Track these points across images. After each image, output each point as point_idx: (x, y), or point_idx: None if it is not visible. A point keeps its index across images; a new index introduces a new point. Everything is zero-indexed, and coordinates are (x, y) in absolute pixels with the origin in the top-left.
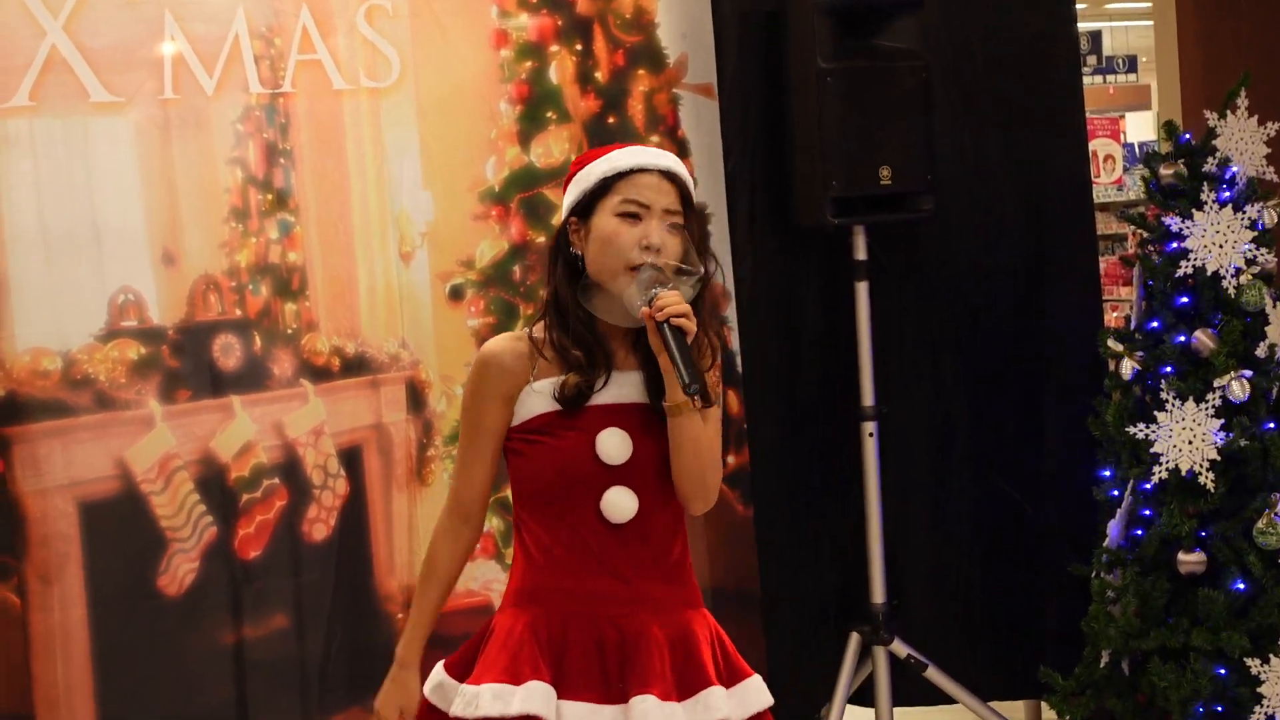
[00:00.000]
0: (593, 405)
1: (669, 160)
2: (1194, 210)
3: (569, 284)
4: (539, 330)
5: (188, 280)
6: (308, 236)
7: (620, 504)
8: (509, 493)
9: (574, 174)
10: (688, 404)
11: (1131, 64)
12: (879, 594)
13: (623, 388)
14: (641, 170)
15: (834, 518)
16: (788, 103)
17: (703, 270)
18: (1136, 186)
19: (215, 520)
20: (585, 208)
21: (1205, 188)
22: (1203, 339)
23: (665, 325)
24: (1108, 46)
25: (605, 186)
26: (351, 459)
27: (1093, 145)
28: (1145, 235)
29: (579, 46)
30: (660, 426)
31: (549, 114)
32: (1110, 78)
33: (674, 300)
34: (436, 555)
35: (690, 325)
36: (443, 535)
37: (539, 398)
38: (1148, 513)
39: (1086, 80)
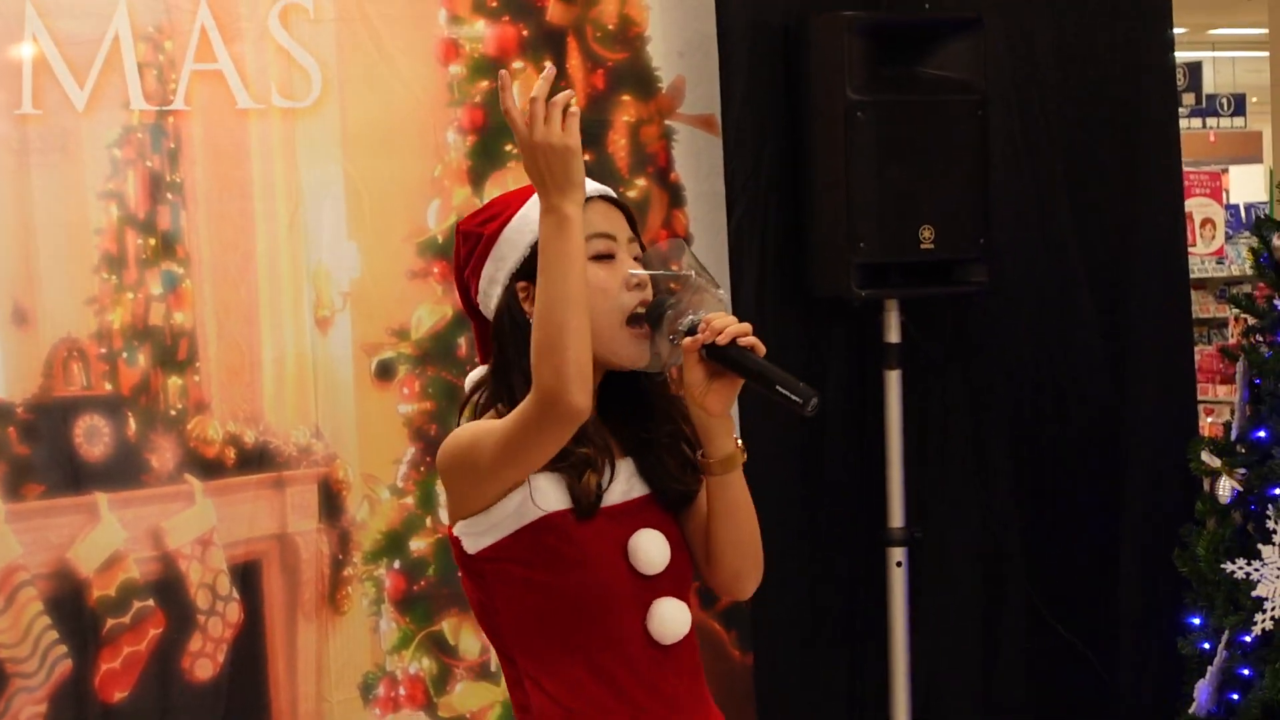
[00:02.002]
0: (604, 506)
1: (604, 187)
2: None
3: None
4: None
5: (44, 345)
6: (199, 294)
7: (676, 618)
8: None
9: (490, 233)
10: (740, 455)
11: (1239, 105)
12: None
13: (627, 481)
14: (589, 200)
15: (851, 669)
16: (808, 142)
17: (722, 289)
18: (1242, 259)
19: (70, 652)
20: (535, 264)
21: None
22: None
23: (732, 349)
24: (1209, 83)
25: None
26: (247, 577)
27: (1188, 206)
28: (1252, 321)
29: (549, 63)
30: (674, 523)
31: (509, 147)
32: (1212, 121)
33: (729, 320)
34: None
35: (761, 345)
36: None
37: (543, 494)
38: (1246, 672)
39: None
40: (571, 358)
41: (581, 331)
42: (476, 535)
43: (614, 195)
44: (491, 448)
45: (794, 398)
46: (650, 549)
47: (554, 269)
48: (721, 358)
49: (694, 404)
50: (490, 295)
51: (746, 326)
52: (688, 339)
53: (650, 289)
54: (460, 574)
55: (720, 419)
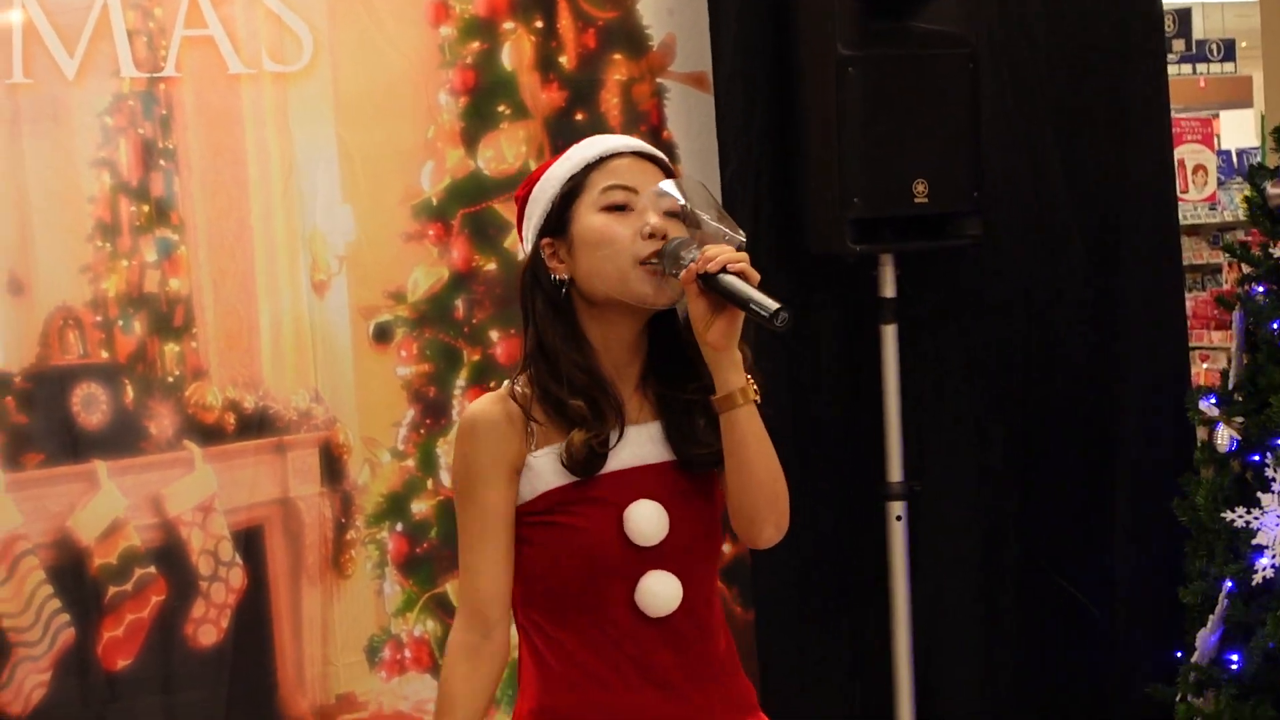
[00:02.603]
0: (609, 472)
1: (638, 142)
2: None
3: (556, 321)
4: (523, 386)
5: (40, 314)
6: (195, 260)
7: (661, 592)
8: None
9: (522, 195)
10: (748, 389)
11: (1228, 50)
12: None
13: (641, 445)
14: (614, 155)
15: (852, 623)
16: (800, 98)
17: (742, 235)
18: (1235, 205)
19: (73, 620)
20: (557, 220)
21: None
22: None
23: (722, 275)
24: (1199, 29)
25: (576, 185)
26: (250, 543)
27: (1179, 153)
28: (1248, 269)
29: (539, 24)
30: (697, 491)
31: (501, 108)
32: (1202, 67)
33: (723, 249)
34: (453, 689)
35: (754, 273)
36: (457, 658)
37: (543, 470)
38: (1248, 622)
39: (1172, 70)
40: None
41: None
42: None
43: (648, 150)
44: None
45: (761, 313)
46: (643, 520)
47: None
48: (711, 285)
49: (700, 339)
50: (526, 251)
51: (740, 255)
52: (684, 271)
53: (668, 238)
54: None
55: (725, 353)
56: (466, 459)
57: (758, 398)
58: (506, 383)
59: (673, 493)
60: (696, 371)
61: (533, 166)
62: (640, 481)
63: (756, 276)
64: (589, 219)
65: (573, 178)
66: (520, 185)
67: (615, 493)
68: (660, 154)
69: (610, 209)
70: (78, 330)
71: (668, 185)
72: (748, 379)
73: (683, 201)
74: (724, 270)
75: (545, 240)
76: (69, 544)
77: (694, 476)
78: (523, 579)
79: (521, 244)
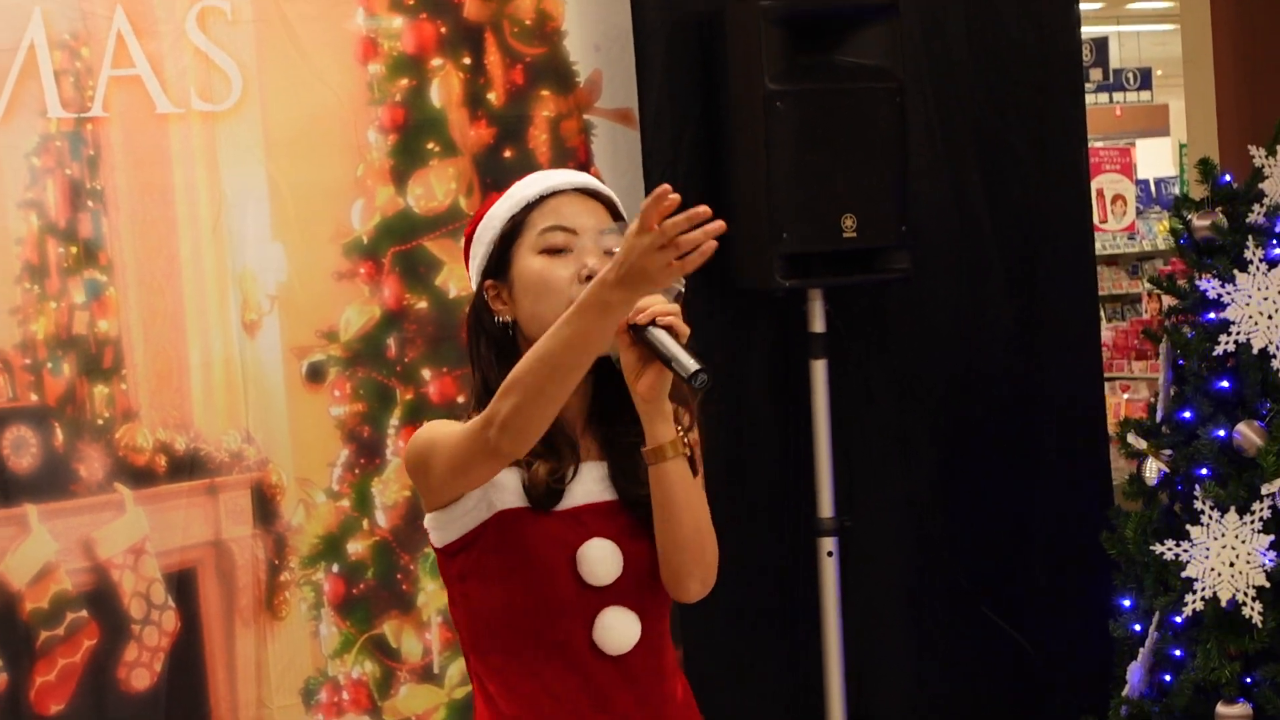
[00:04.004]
0: (562, 509)
1: (584, 177)
2: (1236, 271)
3: (501, 363)
4: None
5: None
6: (124, 301)
7: (620, 628)
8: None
9: (467, 235)
10: (677, 443)
11: (1144, 79)
12: None
13: (591, 484)
14: (555, 193)
15: (783, 658)
16: (727, 133)
17: (681, 285)
18: (1154, 234)
19: (5, 665)
20: (498, 261)
21: (1251, 243)
22: (1247, 434)
23: (649, 328)
24: (1115, 57)
25: (516, 225)
26: (183, 585)
27: (1098, 182)
28: (1174, 302)
29: (467, 60)
30: (644, 530)
31: (430, 145)
32: (1119, 96)
33: (655, 300)
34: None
35: (683, 327)
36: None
37: (505, 485)
38: (1178, 653)
39: (1089, 100)
40: (523, 409)
41: (547, 397)
42: (442, 529)
43: (592, 186)
44: (442, 456)
45: (680, 373)
46: (597, 559)
47: (566, 329)
48: (641, 337)
49: (631, 390)
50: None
51: (671, 308)
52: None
53: None
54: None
55: (654, 404)
56: (432, 447)
57: (688, 451)
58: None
59: (623, 531)
60: (630, 410)
61: (463, 204)
62: (595, 519)
63: (686, 331)
64: (528, 261)
65: (513, 218)
66: (469, 224)
67: (568, 530)
68: (604, 188)
69: (549, 251)
70: (7, 373)
71: (609, 231)
72: (678, 431)
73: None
74: (653, 323)
75: (488, 282)
76: (0, 588)
77: (640, 516)
78: (473, 620)
79: (470, 283)
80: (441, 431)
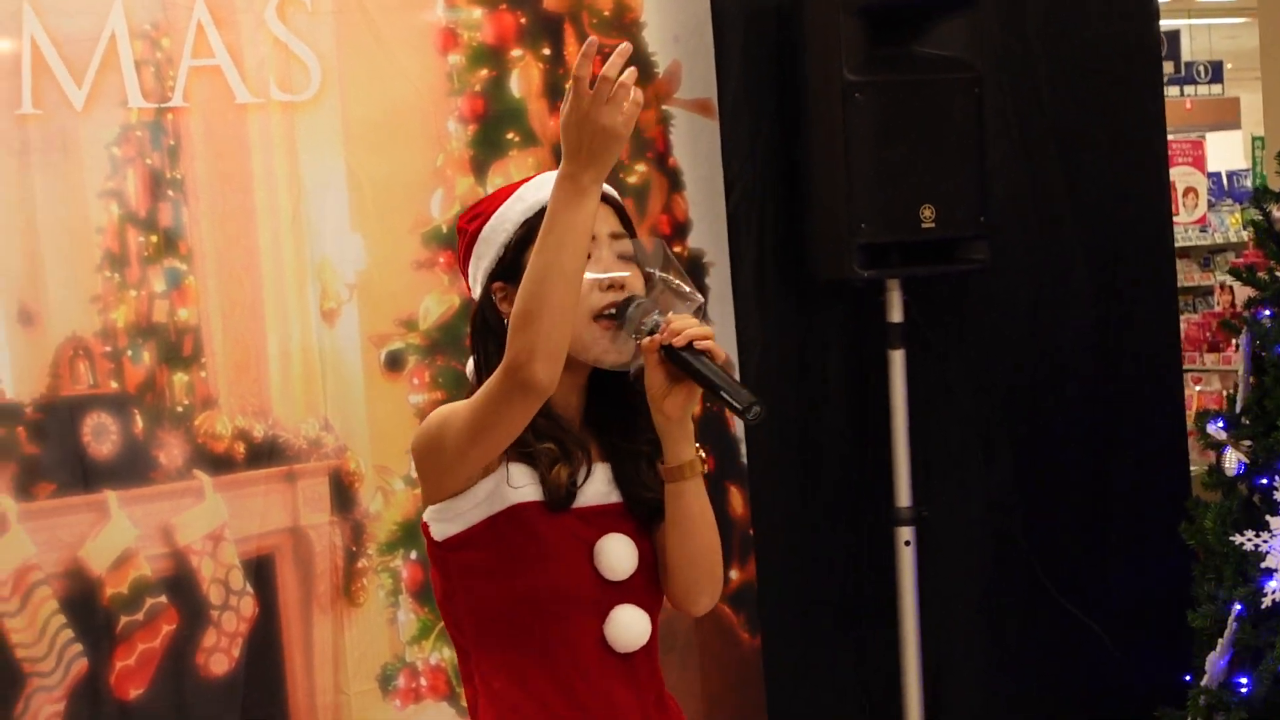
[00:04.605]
0: (576, 508)
1: None
2: None
3: None
4: None
5: (50, 344)
6: (204, 290)
7: (633, 625)
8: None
9: (472, 231)
10: (696, 463)
11: (1215, 71)
12: None
13: (601, 485)
14: None
15: (861, 648)
16: (806, 124)
17: (701, 297)
18: (1225, 227)
19: (85, 650)
20: (510, 264)
21: None
22: None
23: (687, 351)
24: (1186, 50)
25: (531, 229)
26: (261, 572)
27: (1171, 175)
28: (1253, 293)
29: (547, 51)
30: (646, 533)
31: (510, 135)
32: (1190, 89)
33: (690, 322)
34: None
35: (721, 351)
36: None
37: (519, 479)
38: (1258, 644)
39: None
40: (545, 331)
41: (563, 308)
42: (445, 522)
43: (604, 192)
44: (458, 425)
45: (735, 404)
46: (616, 554)
47: (553, 237)
48: (676, 359)
49: (654, 407)
50: (476, 292)
51: (706, 330)
52: (648, 339)
53: (626, 289)
54: (431, 563)
55: (678, 424)
56: (444, 425)
57: (706, 469)
58: None
59: (635, 532)
60: (636, 418)
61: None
62: (607, 518)
63: (723, 354)
64: None
65: (527, 221)
66: (462, 216)
67: (583, 526)
68: (613, 193)
69: None
70: (87, 360)
71: (655, 248)
72: (697, 450)
73: (663, 274)
74: (690, 346)
75: (497, 284)
76: (81, 574)
77: (641, 521)
78: (479, 615)
79: (466, 278)
80: (451, 409)
